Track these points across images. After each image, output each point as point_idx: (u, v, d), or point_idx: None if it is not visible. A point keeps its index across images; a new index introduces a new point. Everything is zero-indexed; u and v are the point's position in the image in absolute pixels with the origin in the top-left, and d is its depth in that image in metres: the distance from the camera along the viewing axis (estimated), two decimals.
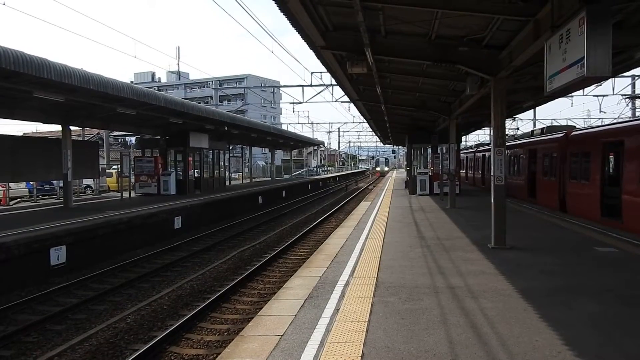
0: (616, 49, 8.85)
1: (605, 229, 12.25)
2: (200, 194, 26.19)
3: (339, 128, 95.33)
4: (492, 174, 10.36)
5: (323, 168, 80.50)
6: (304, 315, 5.84)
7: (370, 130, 45.86)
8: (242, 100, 74.74)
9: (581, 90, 26.94)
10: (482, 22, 9.37)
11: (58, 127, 19.86)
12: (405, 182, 33.00)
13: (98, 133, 37.69)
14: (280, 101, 77.14)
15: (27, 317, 9.61)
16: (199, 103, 34.88)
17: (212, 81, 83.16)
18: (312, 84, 30.87)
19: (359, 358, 4.52)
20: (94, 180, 31.44)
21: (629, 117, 30.00)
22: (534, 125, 40.40)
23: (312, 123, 67.40)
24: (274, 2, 8.17)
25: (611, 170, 15.71)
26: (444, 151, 22.18)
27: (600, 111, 37.88)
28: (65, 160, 19.18)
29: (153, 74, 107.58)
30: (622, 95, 32.59)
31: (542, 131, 22.73)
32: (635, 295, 6.49)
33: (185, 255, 15.10)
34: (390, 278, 7.55)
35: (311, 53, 11.53)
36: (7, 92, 14.09)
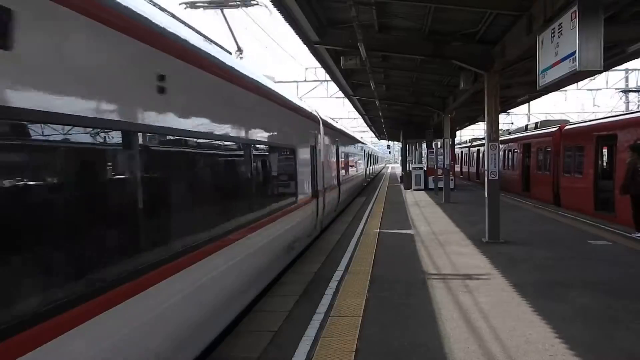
0: (608, 43, 8.88)
1: (599, 222, 12.32)
2: None
3: None
4: (486, 168, 10.39)
5: None
6: (299, 311, 5.84)
7: (365, 125, 45.80)
8: None
9: (575, 85, 26.93)
10: (476, 16, 9.38)
11: None
12: (400, 177, 33.04)
13: None
14: None
15: None
16: None
17: None
18: (307, 79, 30.77)
19: (353, 353, 4.53)
20: None
21: (623, 111, 30.11)
22: (528, 120, 40.40)
23: None
24: None
25: (604, 164, 15.77)
26: (439, 146, 22.20)
27: (594, 105, 37.90)
28: None
29: None
30: (616, 89, 32.66)
31: (536, 125, 22.81)
32: (628, 288, 6.53)
33: None
34: (385, 273, 7.56)
35: (305, 48, 11.51)
36: None
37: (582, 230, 11.35)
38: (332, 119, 18.76)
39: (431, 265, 8.03)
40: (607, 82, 32.10)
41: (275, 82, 9.27)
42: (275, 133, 7.43)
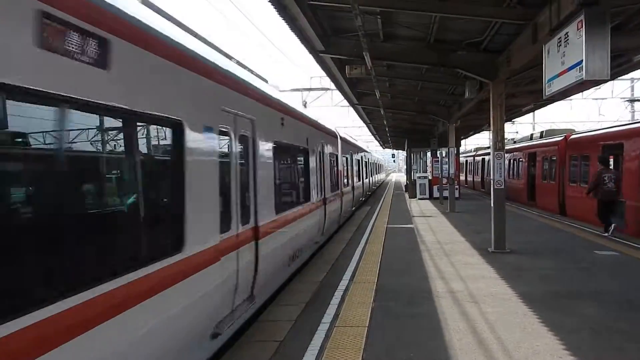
0: (615, 52, 8.86)
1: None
2: None
3: None
4: (491, 177, 10.35)
5: None
6: (304, 320, 5.80)
7: (370, 134, 45.77)
8: None
9: (580, 94, 26.90)
10: (481, 26, 9.39)
11: None
12: (405, 186, 33.01)
13: None
14: None
15: None
16: None
17: None
18: (312, 88, 30.84)
19: None
20: None
21: (629, 120, 30.02)
22: (534, 129, 40.33)
23: None
24: (273, 7, 8.19)
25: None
26: (444, 155, 22.17)
27: (600, 114, 37.71)
28: None
29: None
30: (621, 98, 32.58)
31: (541, 135, 22.76)
32: (635, 299, 6.45)
33: None
34: (391, 283, 7.52)
35: (310, 57, 11.55)
36: None
37: (588, 240, 11.26)
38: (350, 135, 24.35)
39: (437, 275, 7.97)
40: (612, 91, 32.20)
41: (280, 91, 9.30)
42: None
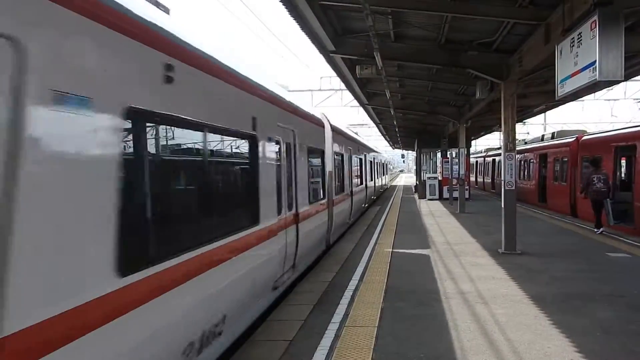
0: (628, 53, 8.75)
1: (617, 234, 12.12)
2: None
3: None
4: (502, 178, 10.30)
5: None
6: (314, 320, 5.81)
7: (380, 134, 45.61)
8: None
9: (592, 95, 26.64)
10: (492, 26, 9.34)
11: None
12: (414, 186, 32.93)
13: None
14: None
15: None
16: None
17: None
18: (322, 88, 30.84)
19: None
20: None
21: None
22: (545, 130, 40.03)
23: None
24: (284, 6, 8.21)
25: (623, 175, 15.55)
26: (454, 155, 22.09)
27: (612, 115, 37.37)
28: None
29: None
30: (634, 99, 32.23)
31: (553, 136, 22.62)
32: None
33: None
34: (400, 283, 7.50)
35: (321, 57, 11.55)
36: None
37: (599, 242, 11.17)
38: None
39: (447, 276, 7.95)
40: (625, 92, 31.72)
41: (289, 91, 9.29)
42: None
